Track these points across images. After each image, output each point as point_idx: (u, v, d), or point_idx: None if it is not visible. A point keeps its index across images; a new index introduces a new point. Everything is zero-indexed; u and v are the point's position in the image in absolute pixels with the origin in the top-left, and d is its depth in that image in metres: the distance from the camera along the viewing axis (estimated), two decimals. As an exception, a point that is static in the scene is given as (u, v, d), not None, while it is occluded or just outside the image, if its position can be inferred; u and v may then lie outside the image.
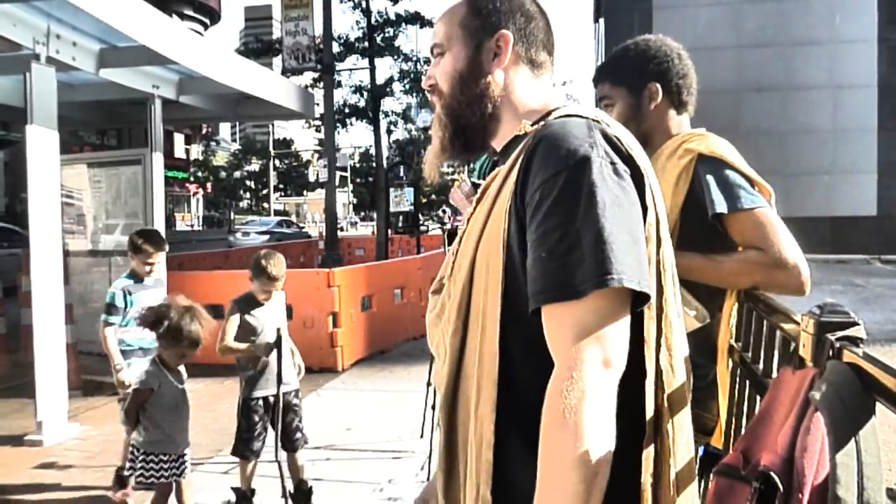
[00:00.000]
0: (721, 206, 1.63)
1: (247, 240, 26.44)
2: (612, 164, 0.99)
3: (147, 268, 3.84)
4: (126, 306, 3.74)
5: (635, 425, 1.01)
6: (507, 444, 1.02)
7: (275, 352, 3.40)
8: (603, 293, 0.93)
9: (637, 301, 0.97)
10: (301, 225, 41.51)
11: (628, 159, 1.02)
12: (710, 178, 1.67)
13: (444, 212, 4.77)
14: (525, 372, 1.02)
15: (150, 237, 3.91)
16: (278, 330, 3.42)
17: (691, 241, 1.69)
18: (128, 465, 3.16)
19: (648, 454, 1.01)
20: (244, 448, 3.47)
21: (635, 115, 1.86)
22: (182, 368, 3.28)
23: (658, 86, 1.84)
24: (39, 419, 4.63)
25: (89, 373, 6.22)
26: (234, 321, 3.48)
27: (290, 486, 3.56)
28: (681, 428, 1.07)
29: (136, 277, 3.84)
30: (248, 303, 3.53)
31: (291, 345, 3.60)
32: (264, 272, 3.47)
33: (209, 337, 3.23)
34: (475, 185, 1.97)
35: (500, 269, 1.04)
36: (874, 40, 19.20)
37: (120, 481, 3.64)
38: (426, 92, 1.28)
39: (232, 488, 3.54)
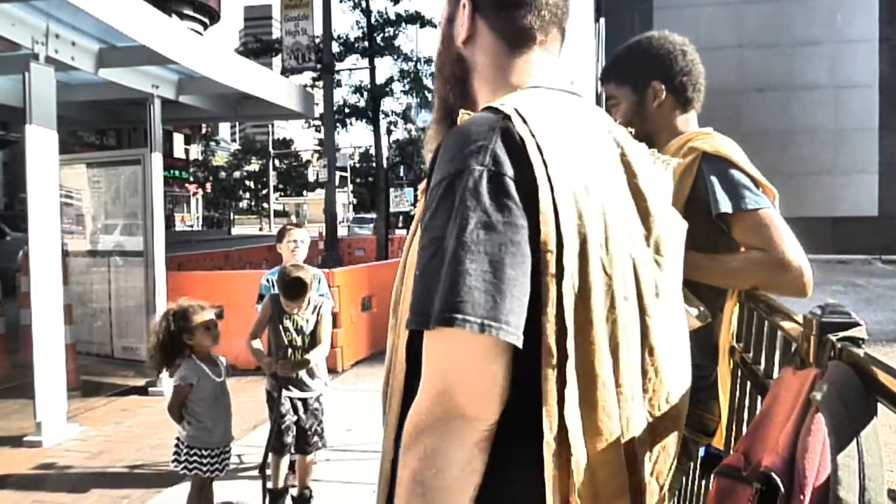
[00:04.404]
0: (726, 205, 1.62)
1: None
2: (498, 174, 0.85)
3: (291, 245, 4.00)
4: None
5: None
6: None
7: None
8: (453, 331, 0.81)
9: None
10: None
11: (529, 170, 0.86)
12: (714, 178, 1.66)
13: None
14: None
15: (281, 230, 4.21)
16: (283, 350, 3.47)
17: (693, 240, 1.68)
18: (172, 457, 3.21)
19: None
20: (274, 441, 3.48)
21: (639, 115, 1.85)
22: (223, 360, 3.31)
23: (661, 84, 1.83)
24: (38, 420, 4.62)
25: (88, 373, 6.24)
26: (263, 318, 3.55)
27: (294, 491, 3.61)
28: None
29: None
30: (279, 305, 3.52)
31: (316, 355, 3.58)
32: (282, 287, 3.45)
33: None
34: None
35: (412, 279, 0.95)
36: (875, 40, 19.17)
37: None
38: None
39: (268, 489, 3.53)
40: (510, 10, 1.03)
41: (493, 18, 1.04)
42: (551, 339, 0.85)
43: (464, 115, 0.98)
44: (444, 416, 0.83)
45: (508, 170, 0.85)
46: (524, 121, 0.89)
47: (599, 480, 0.89)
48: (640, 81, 1.85)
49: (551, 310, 0.85)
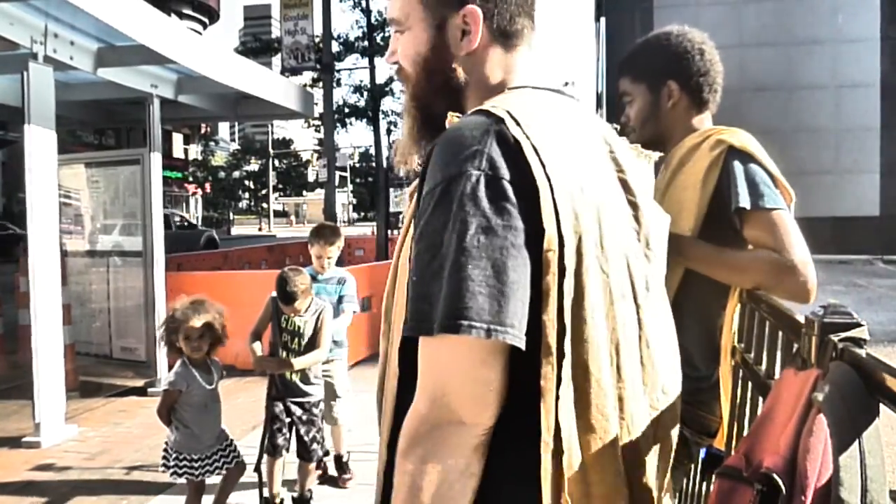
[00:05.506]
0: (745, 200, 1.61)
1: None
2: (495, 178, 0.85)
3: (319, 262, 3.94)
4: None
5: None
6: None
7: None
8: (457, 338, 0.82)
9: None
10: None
11: (526, 171, 0.86)
12: (738, 172, 1.65)
13: None
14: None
15: (317, 231, 4.01)
16: (272, 344, 3.47)
17: (711, 234, 1.67)
18: (161, 461, 3.20)
19: None
20: (267, 442, 3.47)
21: (654, 114, 1.83)
22: (218, 366, 3.29)
23: (676, 84, 1.81)
24: (37, 420, 4.62)
25: (87, 374, 6.23)
26: (264, 319, 3.53)
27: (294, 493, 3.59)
28: None
29: (314, 273, 3.95)
30: (278, 306, 3.50)
31: (322, 355, 3.55)
32: (278, 291, 3.42)
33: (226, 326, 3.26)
34: None
35: (405, 282, 0.95)
36: (877, 39, 19.19)
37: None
38: (394, 69, 1.13)
39: (262, 498, 3.52)
40: (506, 12, 1.03)
41: (491, 23, 1.03)
42: (551, 339, 0.85)
43: (452, 118, 0.97)
44: (441, 423, 0.84)
45: (506, 173, 0.85)
46: (517, 122, 0.89)
47: (591, 479, 0.89)
48: (655, 80, 1.82)
49: (552, 308, 0.85)
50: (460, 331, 0.81)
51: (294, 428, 3.50)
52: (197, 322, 3.12)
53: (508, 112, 0.90)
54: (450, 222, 0.84)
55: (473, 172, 0.85)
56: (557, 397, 0.86)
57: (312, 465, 3.60)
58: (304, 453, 3.52)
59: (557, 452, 0.86)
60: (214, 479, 3.30)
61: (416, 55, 1.05)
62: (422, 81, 1.06)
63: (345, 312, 4.02)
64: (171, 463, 3.12)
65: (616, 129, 1.11)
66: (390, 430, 0.97)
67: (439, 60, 1.04)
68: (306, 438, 3.49)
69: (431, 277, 0.84)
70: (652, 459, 0.98)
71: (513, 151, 0.87)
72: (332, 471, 4.08)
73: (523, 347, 0.83)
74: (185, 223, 24.62)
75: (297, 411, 3.49)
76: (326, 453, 3.97)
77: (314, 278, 3.90)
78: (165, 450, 3.16)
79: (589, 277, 0.89)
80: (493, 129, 0.88)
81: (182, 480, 3.21)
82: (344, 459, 4.03)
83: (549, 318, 0.85)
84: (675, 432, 1.05)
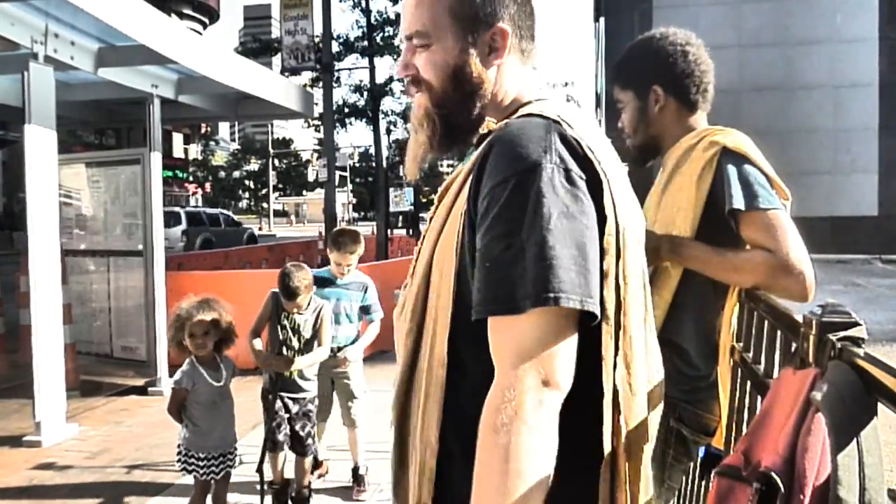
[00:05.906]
0: (739, 202, 1.61)
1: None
2: (566, 170, 0.95)
3: (340, 268, 3.89)
4: None
5: (588, 452, 0.98)
6: (451, 451, 1.01)
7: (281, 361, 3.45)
8: (543, 310, 0.90)
9: (588, 316, 0.93)
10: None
11: (586, 165, 0.97)
12: (731, 173, 1.65)
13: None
14: (473, 379, 0.99)
15: (337, 239, 3.89)
16: (278, 345, 3.46)
17: (708, 235, 1.68)
18: (176, 456, 3.22)
19: (604, 484, 0.99)
20: (267, 438, 3.49)
21: (643, 119, 1.84)
22: (230, 364, 3.28)
23: (661, 88, 1.81)
24: (38, 420, 4.62)
25: (88, 373, 6.23)
26: (263, 315, 3.52)
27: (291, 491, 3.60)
28: (637, 461, 1.01)
29: (332, 276, 3.90)
30: (279, 303, 3.49)
31: (319, 353, 3.55)
32: (281, 286, 3.42)
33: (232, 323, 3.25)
34: None
35: (452, 274, 1.02)
36: (875, 39, 19.17)
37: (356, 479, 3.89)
38: (404, 81, 1.18)
39: (270, 484, 3.55)
40: (527, 34, 1.14)
41: (514, 42, 1.13)
42: (610, 311, 0.96)
43: (490, 124, 1.09)
44: (538, 392, 0.89)
45: (573, 166, 0.96)
46: (569, 125, 1.00)
47: (631, 434, 1.00)
48: (640, 86, 1.83)
49: (611, 286, 0.96)
50: (559, 302, 0.89)
51: (290, 423, 3.51)
52: (200, 319, 3.13)
53: (559, 116, 1.00)
54: (528, 209, 0.92)
55: (548, 165, 0.94)
56: (615, 364, 0.98)
57: (308, 461, 3.61)
58: (299, 447, 3.54)
59: (613, 411, 0.98)
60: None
61: (446, 65, 1.11)
62: (448, 90, 1.11)
63: (374, 322, 4.02)
64: (182, 458, 3.16)
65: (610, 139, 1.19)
66: (440, 420, 1.02)
67: (467, 72, 1.11)
68: (301, 433, 3.52)
69: (511, 261, 0.91)
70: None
71: (574, 149, 0.97)
72: (326, 470, 4.07)
73: (599, 318, 0.94)
74: (231, 221, 27.68)
75: (294, 407, 3.51)
76: (316, 451, 3.95)
77: (332, 282, 3.90)
78: (178, 447, 3.19)
79: (628, 261, 1.00)
80: (553, 129, 0.98)
81: (189, 479, 3.23)
82: (361, 472, 3.91)
83: (609, 294, 0.96)
84: (660, 411, 1.14)
